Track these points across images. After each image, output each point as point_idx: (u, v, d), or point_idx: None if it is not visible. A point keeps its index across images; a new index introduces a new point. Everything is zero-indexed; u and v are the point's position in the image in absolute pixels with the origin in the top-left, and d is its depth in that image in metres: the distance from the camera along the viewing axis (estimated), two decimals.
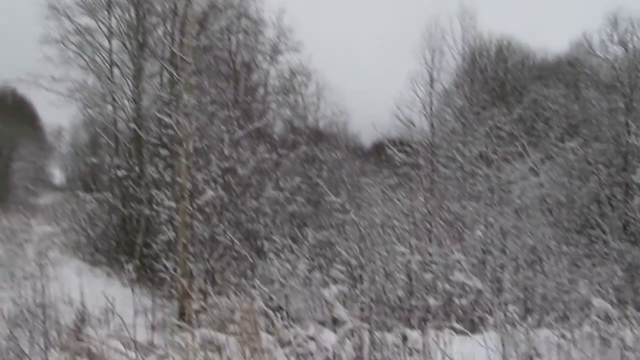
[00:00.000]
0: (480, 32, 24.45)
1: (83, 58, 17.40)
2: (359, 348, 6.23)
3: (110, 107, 17.56)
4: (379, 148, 19.13)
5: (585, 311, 7.11)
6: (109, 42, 17.33)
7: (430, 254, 9.03)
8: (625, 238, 13.35)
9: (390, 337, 6.46)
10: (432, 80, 17.18)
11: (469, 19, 23.47)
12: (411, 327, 7.70)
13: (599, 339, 6.02)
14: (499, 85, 22.64)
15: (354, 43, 40.43)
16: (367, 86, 30.96)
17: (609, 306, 7.19)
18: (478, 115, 16.68)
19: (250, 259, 11.66)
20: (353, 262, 9.38)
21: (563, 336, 5.99)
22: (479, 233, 9.32)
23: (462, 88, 20.78)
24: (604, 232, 13.22)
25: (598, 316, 6.65)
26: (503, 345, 5.73)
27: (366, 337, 6.31)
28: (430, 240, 9.64)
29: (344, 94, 29.09)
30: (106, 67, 17.41)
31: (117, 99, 17.21)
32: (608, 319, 6.57)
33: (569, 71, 22.18)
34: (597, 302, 7.40)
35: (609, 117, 15.72)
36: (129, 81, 17.18)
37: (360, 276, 9.08)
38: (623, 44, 17.30)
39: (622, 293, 9.23)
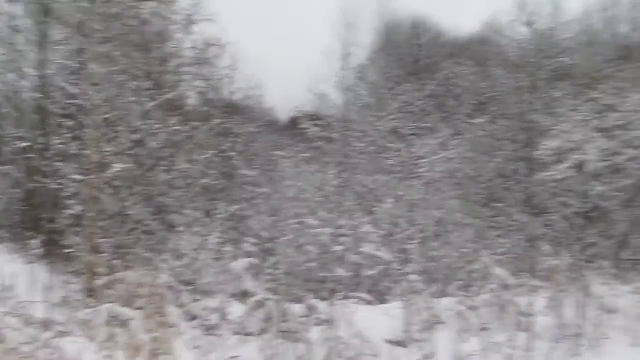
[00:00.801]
0: (395, 9, 24.75)
1: None
2: (267, 319, 6.23)
3: (12, 76, 16.60)
4: (294, 122, 19.09)
5: (486, 280, 7.38)
6: (11, 5, 16.31)
7: (340, 227, 9.12)
8: (528, 210, 13.99)
9: (299, 309, 6.50)
10: (346, 55, 17.22)
11: None
12: (321, 298, 7.77)
13: (497, 306, 6.28)
14: (413, 62, 23.03)
15: (271, 16, 39.99)
16: (284, 60, 30.74)
17: (508, 275, 7.52)
18: (391, 90, 16.93)
19: (161, 233, 11.41)
20: (264, 235, 9.36)
21: (464, 304, 6.21)
22: (389, 206, 9.50)
23: (377, 64, 21.04)
24: (508, 205, 13.78)
25: (498, 284, 6.94)
26: (406, 313, 5.88)
27: (274, 308, 6.30)
28: (341, 213, 9.73)
29: (261, 67, 28.71)
30: (8, 32, 16.40)
31: (20, 67, 16.27)
32: (506, 287, 6.88)
33: (479, 50, 22.83)
34: (497, 271, 7.72)
35: (515, 95, 16.29)
36: (33, 49, 16.27)
37: (271, 249, 9.07)
38: (530, 25, 17.89)
39: (523, 262, 9.68)
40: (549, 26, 18.47)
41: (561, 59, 16.46)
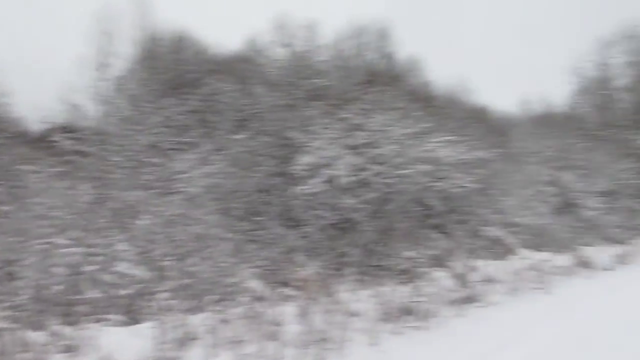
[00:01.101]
0: (157, 21, 24.22)
1: None
2: (1, 352, 5.65)
3: None
4: (45, 134, 17.67)
5: (241, 293, 7.53)
6: None
7: (93, 245, 8.63)
8: (285, 223, 14.56)
9: (41, 336, 6.01)
10: (103, 65, 16.44)
11: (144, 5, 23.08)
12: (69, 323, 7.27)
13: (250, 318, 6.43)
14: (175, 76, 22.70)
15: (21, 18, 36.81)
16: (36, 66, 28.41)
17: (263, 286, 7.76)
18: (152, 104, 16.53)
19: None
20: (5, 257, 8.50)
21: (218, 318, 6.25)
22: (145, 222, 9.23)
23: (137, 76, 20.41)
24: (267, 218, 14.21)
25: (251, 297, 7.11)
26: (158, 332, 5.74)
27: (11, 338, 5.75)
28: (94, 231, 9.22)
29: (9, 73, 26.19)
30: None
31: None
32: (260, 299, 7.08)
33: (241, 67, 23.32)
34: (252, 283, 7.92)
35: (274, 113, 16.92)
36: None
37: (13, 273, 8.26)
38: (287, 46, 18.82)
39: (278, 274, 10.03)
40: (305, 49, 19.60)
41: (316, 80, 17.49)
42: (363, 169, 13.79)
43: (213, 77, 22.17)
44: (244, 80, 21.36)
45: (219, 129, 18.06)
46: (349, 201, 13.50)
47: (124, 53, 21.41)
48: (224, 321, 6.20)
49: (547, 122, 31.10)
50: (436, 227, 16.21)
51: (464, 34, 59.87)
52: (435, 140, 14.73)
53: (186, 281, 8.01)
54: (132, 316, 7.55)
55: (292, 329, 6.49)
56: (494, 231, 16.07)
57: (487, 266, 11.03)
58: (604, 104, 39.53)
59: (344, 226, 13.92)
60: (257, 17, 30.41)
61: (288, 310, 6.76)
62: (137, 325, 6.73)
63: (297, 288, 8.15)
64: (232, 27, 28.25)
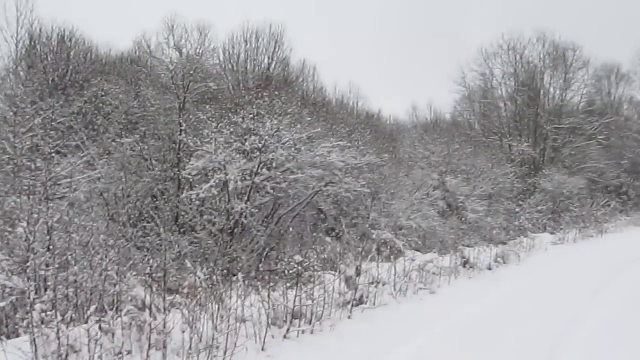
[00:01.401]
0: (41, 18, 23.15)
1: None
2: None
3: None
4: None
5: (127, 302, 7.30)
6: None
7: None
8: (177, 229, 14.30)
9: None
10: None
11: (25, 2, 22.02)
12: None
13: (135, 327, 6.26)
14: (61, 76, 21.78)
15: None
16: None
17: (150, 294, 7.55)
18: (34, 105, 15.72)
19: None
20: None
21: (101, 328, 6.03)
22: (22, 230, 8.74)
23: (18, 75, 19.37)
24: (157, 224, 13.88)
25: (137, 305, 6.92)
26: (34, 347, 5.47)
27: None
28: None
29: None
30: None
31: None
32: (146, 307, 6.89)
33: (131, 69, 22.72)
34: (139, 291, 7.70)
35: (165, 116, 16.58)
36: None
37: None
38: (178, 48, 18.51)
39: (167, 281, 9.80)
40: (197, 51, 19.34)
41: (208, 84, 17.28)
42: (255, 174, 13.78)
43: (101, 78, 21.47)
44: (134, 82, 20.82)
45: (106, 132, 17.48)
46: (240, 206, 13.44)
47: (4, 51, 20.29)
48: (108, 332, 5.99)
49: (434, 129, 32.48)
50: (327, 231, 16.49)
51: (356, 43, 61.40)
52: (326, 145, 14.96)
53: (68, 291, 7.66)
54: (9, 330, 7.17)
55: (180, 337, 6.39)
56: (383, 234, 16.53)
57: (376, 268, 11.32)
58: (486, 112, 41.76)
59: (236, 231, 13.85)
60: (148, 17, 29.69)
61: (176, 318, 6.63)
62: (13, 340, 6.38)
63: (186, 295, 8.03)
64: (122, 27, 27.48)
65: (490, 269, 15.71)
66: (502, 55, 41.55)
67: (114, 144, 16.01)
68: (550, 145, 39.46)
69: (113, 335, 5.99)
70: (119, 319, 6.31)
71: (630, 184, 41.28)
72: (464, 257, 15.18)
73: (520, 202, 29.37)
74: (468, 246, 18.42)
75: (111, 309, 6.53)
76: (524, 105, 40.90)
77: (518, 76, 41.54)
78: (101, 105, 19.40)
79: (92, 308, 6.35)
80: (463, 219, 22.43)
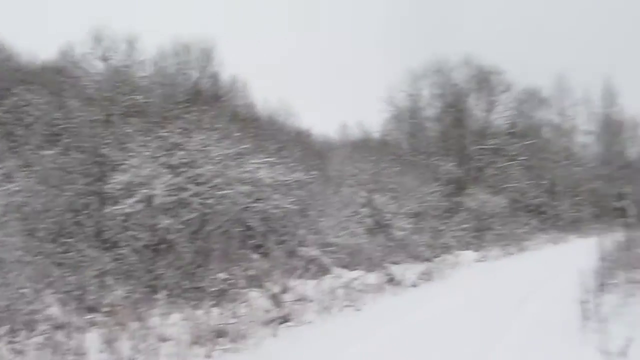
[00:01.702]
0: None
1: None
2: None
3: None
4: None
5: (42, 321, 7.04)
6: None
7: None
8: (99, 245, 13.87)
9: None
10: None
11: None
12: None
13: (49, 347, 6.04)
14: None
15: None
16: None
17: (67, 313, 7.31)
18: None
19: None
20: None
21: (11, 349, 5.79)
22: None
23: None
24: (79, 240, 13.44)
25: (53, 324, 6.68)
26: None
27: None
28: None
29: None
30: None
31: None
32: (63, 326, 6.67)
33: (54, 79, 21.98)
34: (55, 310, 7.44)
35: (89, 128, 16.15)
36: None
37: None
38: (105, 59, 18.10)
39: (87, 299, 9.51)
40: (124, 63, 18.97)
41: (135, 96, 17.00)
42: (181, 189, 13.59)
43: (22, 87, 20.69)
44: (57, 92, 20.19)
45: (26, 144, 16.83)
46: (166, 222, 13.21)
47: None
48: (19, 352, 5.75)
49: (363, 147, 32.95)
50: (255, 248, 16.39)
51: (288, 59, 61.70)
52: (255, 161, 14.94)
53: None
54: None
55: (97, 357, 6.20)
56: (311, 251, 16.58)
57: (302, 285, 11.34)
58: (414, 131, 42.79)
59: (161, 247, 13.57)
60: (75, 28, 28.93)
61: (93, 338, 6.44)
62: None
63: (106, 313, 7.82)
64: (47, 37, 26.62)
65: (415, 285, 16.00)
66: (429, 76, 42.82)
67: (34, 155, 15.43)
68: (475, 165, 40.80)
69: (25, 355, 5.75)
70: (33, 339, 6.07)
71: (548, 203, 43.07)
72: (389, 274, 15.41)
73: (445, 220, 30.09)
74: (394, 263, 18.71)
75: (24, 329, 6.29)
76: (450, 125, 42.21)
77: (445, 97, 42.87)
78: (22, 115, 18.68)
79: (4, 327, 6.07)
80: (390, 237, 22.77)
